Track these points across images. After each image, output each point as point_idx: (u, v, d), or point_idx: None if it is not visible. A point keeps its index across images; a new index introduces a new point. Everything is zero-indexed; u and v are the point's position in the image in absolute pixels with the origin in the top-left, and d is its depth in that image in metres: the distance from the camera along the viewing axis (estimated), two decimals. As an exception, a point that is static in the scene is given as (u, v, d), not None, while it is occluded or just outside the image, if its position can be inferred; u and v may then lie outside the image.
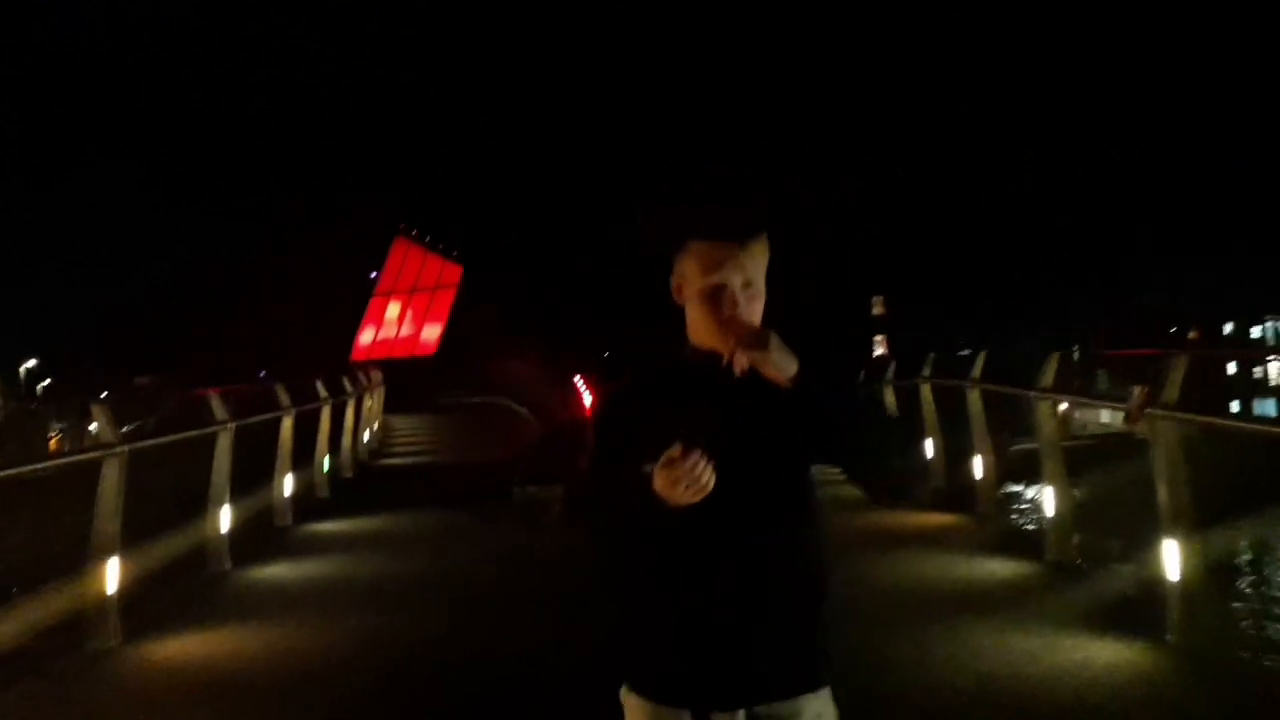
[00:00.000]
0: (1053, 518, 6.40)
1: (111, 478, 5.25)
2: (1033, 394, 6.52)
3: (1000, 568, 6.37)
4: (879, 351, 46.23)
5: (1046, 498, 6.50)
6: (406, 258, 38.46)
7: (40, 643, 5.30)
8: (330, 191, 40.13)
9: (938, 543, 7.18)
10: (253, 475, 8.77)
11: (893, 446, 2.00)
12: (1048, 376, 6.39)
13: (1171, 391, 4.47)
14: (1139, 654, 4.53)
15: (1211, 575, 4.70)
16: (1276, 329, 55.71)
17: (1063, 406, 8.23)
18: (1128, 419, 4.75)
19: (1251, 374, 53.93)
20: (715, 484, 1.75)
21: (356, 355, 35.82)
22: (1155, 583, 4.81)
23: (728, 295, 1.86)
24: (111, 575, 5.27)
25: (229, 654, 5.26)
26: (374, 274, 39.55)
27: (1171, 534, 4.53)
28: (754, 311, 1.88)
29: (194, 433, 7.21)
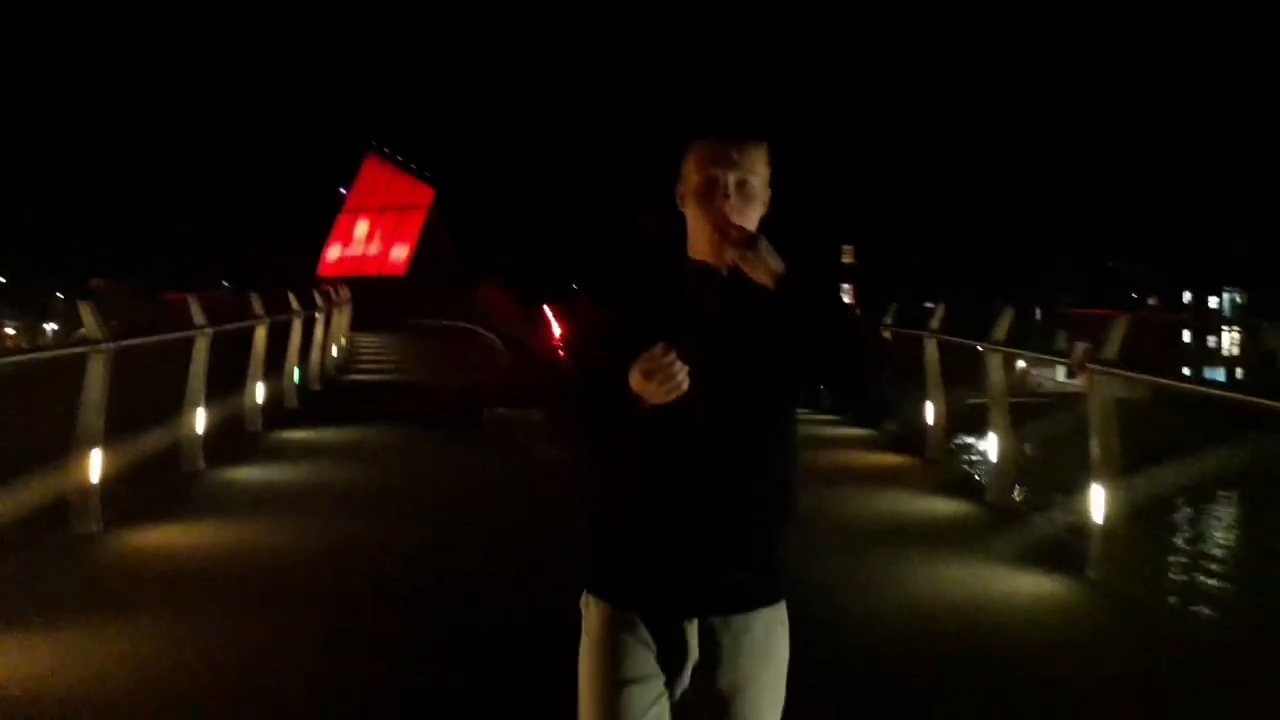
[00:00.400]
0: (995, 464, 6.76)
1: (97, 372, 5.41)
2: (981, 346, 6.83)
3: (943, 507, 6.74)
4: (847, 300, 46.68)
5: (990, 445, 6.85)
6: (377, 175, 38.03)
7: (24, 528, 5.50)
8: (302, 103, 39.40)
9: (887, 481, 7.55)
10: (222, 382, 8.91)
11: (881, 379, 1.93)
12: (999, 331, 6.70)
13: (1110, 349, 4.78)
14: (1060, 587, 4.91)
15: (1133, 520, 5.06)
16: (1233, 300, 56.86)
17: (1020, 364, 8.60)
18: (1070, 373, 5.06)
19: (1205, 342, 55.29)
20: (693, 392, 1.78)
21: (323, 271, 35.58)
22: (1083, 525, 5.19)
23: (720, 188, 1.88)
24: (95, 465, 5.46)
25: (203, 546, 5.50)
26: (343, 190, 39.10)
27: (1099, 480, 4.88)
28: (748, 214, 1.90)
29: (175, 335, 7.34)
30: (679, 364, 1.76)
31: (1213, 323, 56.78)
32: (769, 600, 1.94)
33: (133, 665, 3.76)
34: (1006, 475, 6.71)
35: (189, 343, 7.53)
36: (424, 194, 37.13)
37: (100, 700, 3.46)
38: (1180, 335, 54.07)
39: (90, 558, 5.14)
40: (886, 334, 9.89)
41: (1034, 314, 47.11)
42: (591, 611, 1.94)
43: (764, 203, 1.94)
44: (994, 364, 6.73)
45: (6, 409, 10.23)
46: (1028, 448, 14.66)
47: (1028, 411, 11.95)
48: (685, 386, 1.78)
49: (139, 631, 4.11)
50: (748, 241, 1.84)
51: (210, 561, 5.22)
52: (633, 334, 1.84)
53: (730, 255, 1.84)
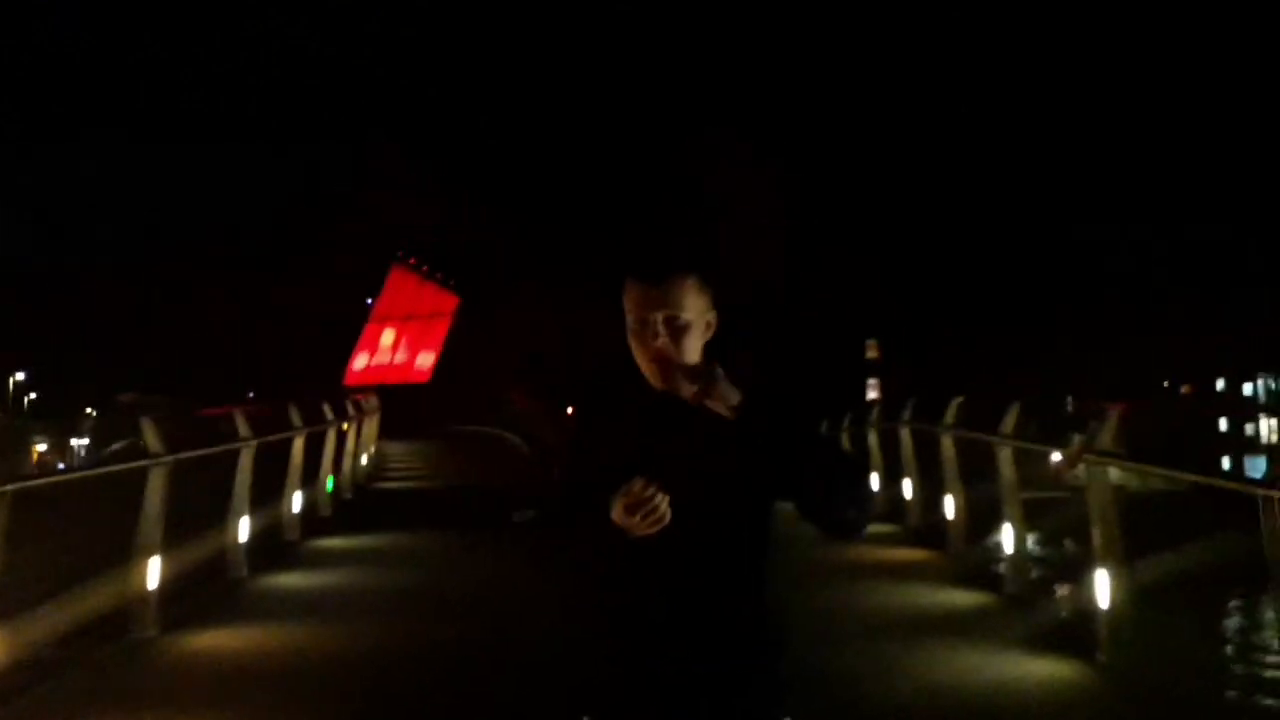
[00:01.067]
0: (1010, 555, 6.98)
1: (158, 484, 5.80)
2: (991, 439, 7.14)
3: (961, 598, 6.94)
4: (872, 395, 46.90)
5: (1005, 537, 7.09)
6: (403, 285, 39.08)
7: (84, 635, 5.81)
8: (328, 217, 40.82)
9: (907, 575, 7.75)
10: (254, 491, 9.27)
11: (848, 492, 1.94)
12: (1007, 425, 7.01)
13: (1105, 438, 5.09)
14: (1072, 670, 5.11)
15: (1139, 602, 5.28)
16: (1267, 386, 56.28)
17: (1054, 457, 8.83)
18: (1064, 463, 5.35)
19: (1243, 431, 54.56)
20: (673, 517, 1.83)
21: (350, 380, 36.29)
22: (1091, 611, 5.41)
23: (650, 328, 1.92)
24: (153, 573, 5.81)
25: (251, 649, 5.78)
26: (370, 300, 40.13)
27: (1103, 565, 5.13)
28: (685, 346, 1.94)
29: (224, 447, 7.76)
30: (659, 498, 1.81)
31: (1248, 410, 56.06)
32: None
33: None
34: (1021, 565, 6.92)
35: (221, 454, 7.91)
36: (448, 302, 38.07)
37: None
38: (1216, 424, 53.53)
39: (150, 660, 5.44)
40: (905, 430, 10.17)
41: (1065, 404, 46.63)
42: None
43: (705, 328, 1.97)
44: (1003, 458, 7.01)
45: (48, 526, 10.62)
46: (1067, 541, 14.75)
47: (1061, 506, 12.15)
48: (667, 519, 1.82)
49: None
50: (695, 376, 1.89)
51: (259, 661, 5.51)
52: (613, 452, 1.93)
53: (685, 392, 1.89)
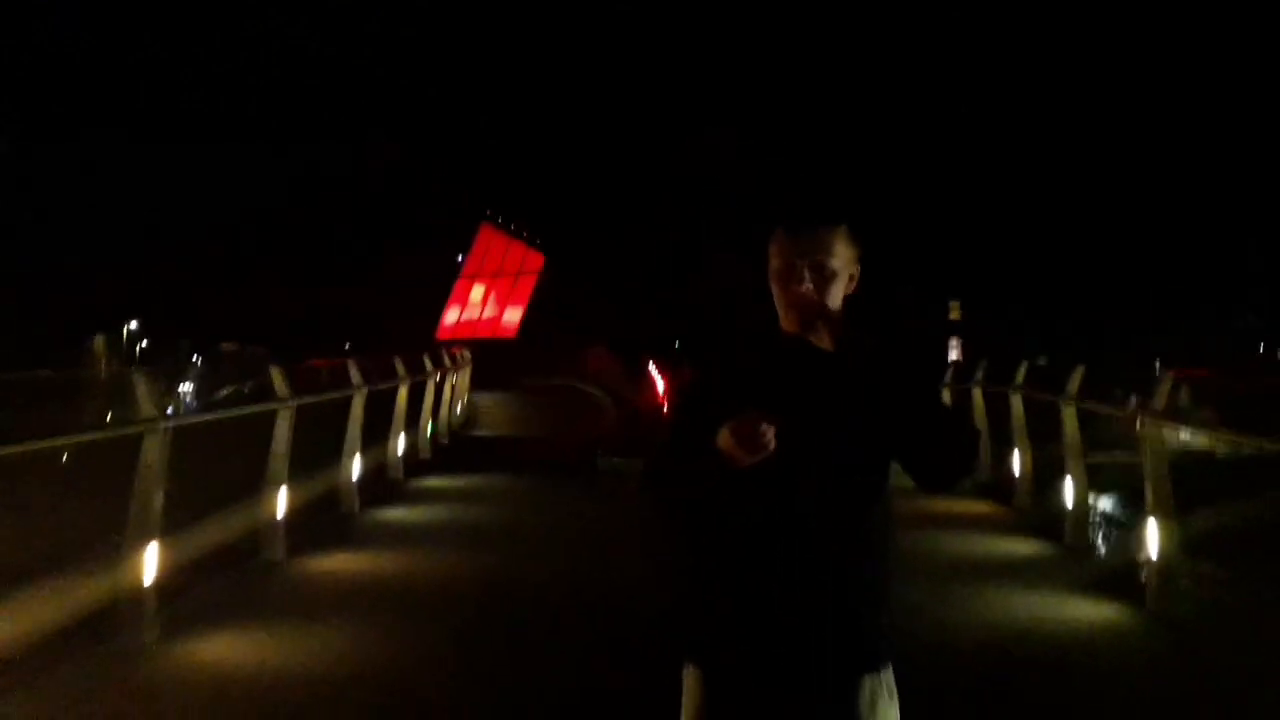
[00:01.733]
0: (1071, 508, 7.29)
1: (284, 424, 6.21)
2: (1056, 399, 7.43)
3: (1023, 547, 7.28)
4: (954, 356, 46.45)
5: (1067, 490, 7.39)
6: (492, 243, 39.96)
7: (229, 552, 6.45)
8: (423, 179, 41.85)
9: (974, 526, 8.10)
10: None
11: (961, 452, 1.96)
12: (1072, 386, 7.28)
13: (1159, 400, 5.38)
14: (1120, 614, 5.47)
15: (1185, 552, 5.58)
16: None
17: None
18: (1125, 423, 5.66)
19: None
20: (785, 462, 1.85)
21: (441, 334, 37.41)
22: (1144, 560, 5.73)
23: (796, 273, 1.96)
24: (281, 503, 6.51)
25: (365, 571, 6.47)
26: (460, 257, 41.14)
27: (1154, 517, 5.44)
28: (828, 294, 1.97)
29: (340, 394, 8.48)
30: (765, 426, 1.83)
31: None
32: (872, 667, 1.95)
33: (325, 654, 4.72)
34: (1081, 517, 7.23)
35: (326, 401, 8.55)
36: (535, 260, 38.85)
37: (305, 676, 4.40)
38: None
39: (280, 579, 6.17)
40: (1017, 397, 9.92)
41: (1154, 368, 45.58)
42: (691, 680, 1.99)
43: (848, 280, 2.02)
44: (1067, 416, 7.29)
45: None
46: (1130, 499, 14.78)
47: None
48: (772, 448, 1.84)
49: (326, 631, 5.07)
50: (836, 324, 1.94)
51: (372, 583, 6.20)
52: (727, 399, 1.93)
53: (821, 338, 1.95)
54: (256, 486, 6.77)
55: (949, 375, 12.82)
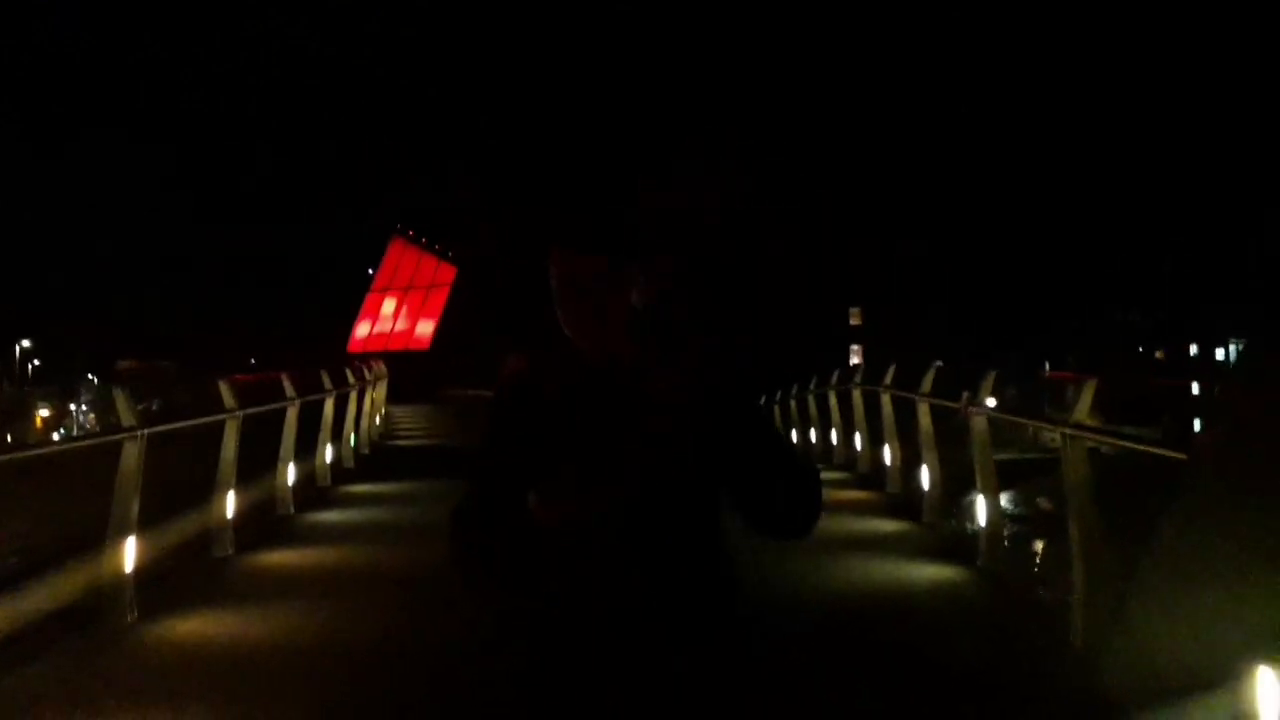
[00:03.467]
0: (928, 489, 8.45)
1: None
2: (915, 397, 8.60)
3: (888, 525, 8.41)
4: (855, 361, 48.39)
5: (924, 478, 8.55)
6: (403, 257, 40.34)
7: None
8: (330, 188, 41.90)
9: (850, 509, 9.22)
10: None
11: (798, 497, 1.81)
12: (925, 385, 8.44)
13: (983, 394, 6.53)
14: (956, 573, 6.60)
15: (1007, 522, 6.74)
16: (1239, 350, 57.77)
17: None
18: (962, 413, 6.82)
19: (1215, 395, 55.83)
20: (610, 505, 1.71)
21: (352, 347, 37.63)
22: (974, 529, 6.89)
23: (576, 285, 1.77)
24: (230, 505, 7.23)
25: (307, 565, 7.20)
26: (370, 270, 41.38)
27: (982, 494, 6.59)
28: (617, 302, 1.78)
29: (276, 405, 9.17)
30: (585, 490, 1.69)
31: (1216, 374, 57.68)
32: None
33: (286, 630, 5.50)
34: (935, 498, 8.40)
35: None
36: (447, 273, 39.36)
37: (270, 647, 5.17)
38: (1189, 389, 55.03)
39: (233, 571, 6.90)
40: (886, 397, 10.14)
41: (1043, 371, 47.92)
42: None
43: (636, 285, 1.80)
44: (921, 411, 8.44)
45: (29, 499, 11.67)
46: (1041, 500, 16.19)
47: (1036, 467, 13.32)
48: (596, 508, 1.70)
49: (284, 612, 5.85)
50: (630, 331, 1.78)
51: (311, 574, 6.94)
52: (531, 433, 1.79)
53: (622, 349, 1.79)
54: (193, 492, 7.39)
55: (835, 378, 13.99)
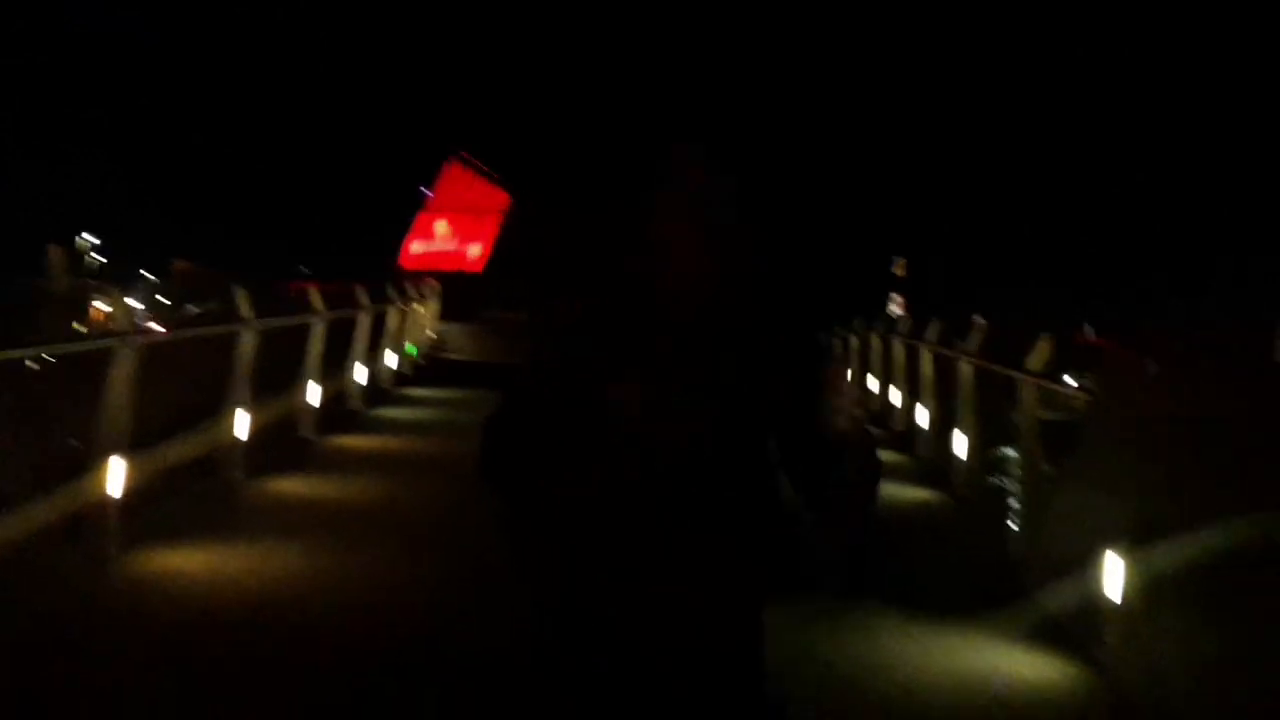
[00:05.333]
0: (924, 428, 9.42)
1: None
2: (919, 344, 9.54)
3: (890, 457, 9.42)
4: (898, 312, 48.64)
5: (920, 418, 9.51)
6: (458, 180, 41.29)
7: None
8: (388, 106, 42.65)
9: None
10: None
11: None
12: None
13: (972, 345, 7.47)
14: (931, 496, 7.62)
15: (981, 459, 7.70)
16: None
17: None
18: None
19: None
20: (650, 429, 1.67)
21: (405, 263, 38.85)
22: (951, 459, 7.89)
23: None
24: (314, 395, 8.35)
25: (375, 449, 8.38)
26: (425, 189, 42.42)
27: (960, 429, 7.57)
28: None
29: (351, 311, 10.28)
30: (631, 399, 1.66)
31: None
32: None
33: (294, 568, 6.68)
34: (929, 437, 9.37)
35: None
36: (499, 199, 40.29)
37: (258, 588, 4.60)
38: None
39: (314, 450, 8.10)
40: (927, 352, 9.53)
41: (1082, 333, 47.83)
42: None
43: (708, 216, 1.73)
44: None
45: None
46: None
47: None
48: (639, 420, 1.67)
49: (299, 547, 7.03)
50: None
51: (381, 454, 8.17)
52: (575, 357, 1.74)
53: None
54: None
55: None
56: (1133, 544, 4.03)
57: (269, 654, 3.82)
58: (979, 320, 11.56)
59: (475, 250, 40.97)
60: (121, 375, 5.00)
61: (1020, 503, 5.88)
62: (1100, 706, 3.87)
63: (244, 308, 6.73)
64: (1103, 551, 4.12)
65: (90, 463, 4.84)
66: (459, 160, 41.94)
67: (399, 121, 39.91)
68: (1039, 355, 5.93)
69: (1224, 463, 3.75)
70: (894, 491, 7.82)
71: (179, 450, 6.06)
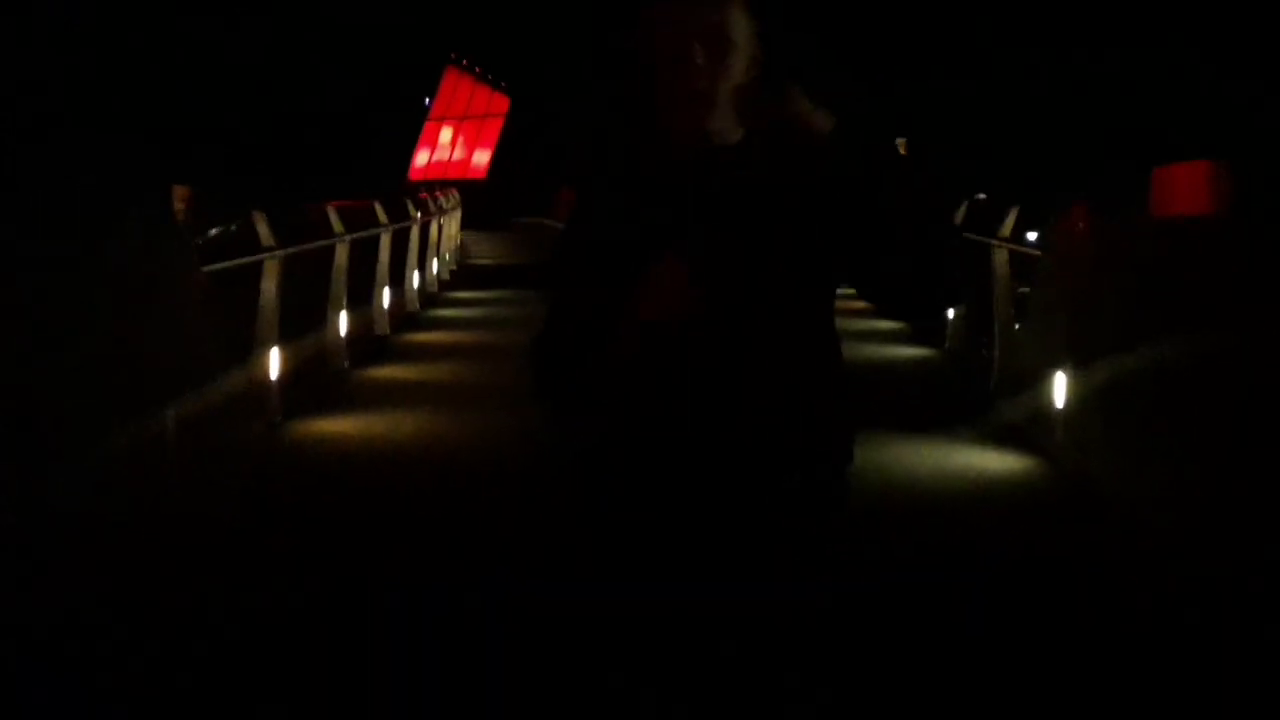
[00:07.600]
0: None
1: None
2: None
3: (890, 324, 10.62)
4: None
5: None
6: (457, 86, 41.65)
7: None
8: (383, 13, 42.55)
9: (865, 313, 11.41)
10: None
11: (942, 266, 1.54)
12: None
13: (1005, 229, 8.57)
14: (927, 353, 8.87)
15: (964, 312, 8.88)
16: None
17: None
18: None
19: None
20: (707, 309, 1.52)
21: (413, 175, 39.61)
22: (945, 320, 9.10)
23: (687, 59, 1.54)
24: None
25: (432, 341, 9.60)
26: (427, 100, 42.78)
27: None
28: (728, 74, 1.55)
29: (371, 231, 11.02)
30: (682, 279, 1.51)
31: None
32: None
33: (406, 429, 7.94)
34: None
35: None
36: (500, 103, 40.75)
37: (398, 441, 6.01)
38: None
39: (352, 382, 9.34)
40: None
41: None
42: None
43: (749, 64, 1.57)
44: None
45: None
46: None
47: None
48: (697, 304, 1.52)
49: (406, 414, 8.27)
50: (759, 105, 1.57)
51: (449, 348, 9.36)
52: (617, 235, 1.60)
53: (731, 133, 1.58)
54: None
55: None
56: (1074, 365, 5.28)
57: (426, 475, 5.29)
58: (981, 197, 12.54)
59: (481, 157, 41.64)
60: (271, 283, 6.33)
61: (996, 349, 7.09)
62: (1050, 486, 5.14)
63: (336, 224, 7.83)
64: (1052, 372, 5.38)
65: (254, 353, 6.14)
66: (456, 66, 42.21)
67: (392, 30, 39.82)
68: (1008, 224, 7.09)
69: (1144, 299, 4.93)
70: (894, 351, 9.09)
71: (299, 346, 7.25)
